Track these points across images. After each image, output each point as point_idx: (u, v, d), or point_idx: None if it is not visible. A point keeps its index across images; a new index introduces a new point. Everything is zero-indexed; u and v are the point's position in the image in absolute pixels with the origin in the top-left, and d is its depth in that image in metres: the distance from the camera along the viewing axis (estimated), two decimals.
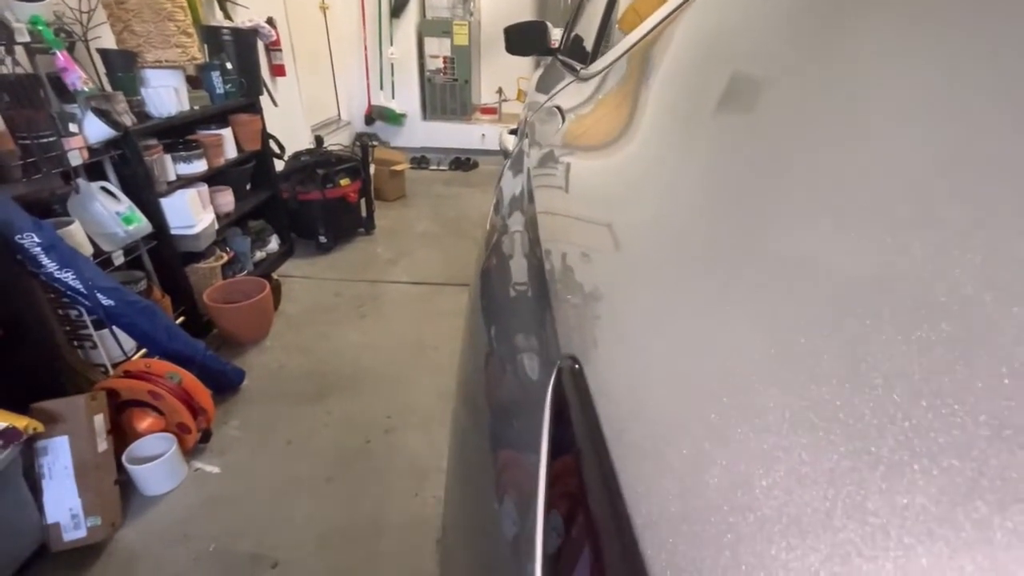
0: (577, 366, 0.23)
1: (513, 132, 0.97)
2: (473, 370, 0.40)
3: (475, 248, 3.03)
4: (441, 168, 4.54)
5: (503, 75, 4.70)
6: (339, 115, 4.33)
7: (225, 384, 1.65)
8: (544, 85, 1.65)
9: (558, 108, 0.60)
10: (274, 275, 2.30)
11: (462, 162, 4.54)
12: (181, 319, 1.80)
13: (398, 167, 3.57)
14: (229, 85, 2.08)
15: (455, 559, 0.37)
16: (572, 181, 0.38)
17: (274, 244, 2.55)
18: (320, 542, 1.22)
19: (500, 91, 4.65)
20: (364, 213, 2.97)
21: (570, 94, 0.63)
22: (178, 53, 1.68)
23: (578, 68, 0.82)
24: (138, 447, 1.31)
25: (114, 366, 1.47)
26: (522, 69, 4.73)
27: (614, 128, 0.36)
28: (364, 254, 2.78)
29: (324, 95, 4.08)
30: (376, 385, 1.75)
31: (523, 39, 2.21)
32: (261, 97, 2.37)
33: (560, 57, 1.85)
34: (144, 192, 1.64)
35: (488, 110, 4.83)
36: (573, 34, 1.91)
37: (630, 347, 0.22)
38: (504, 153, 0.94)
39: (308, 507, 1.30)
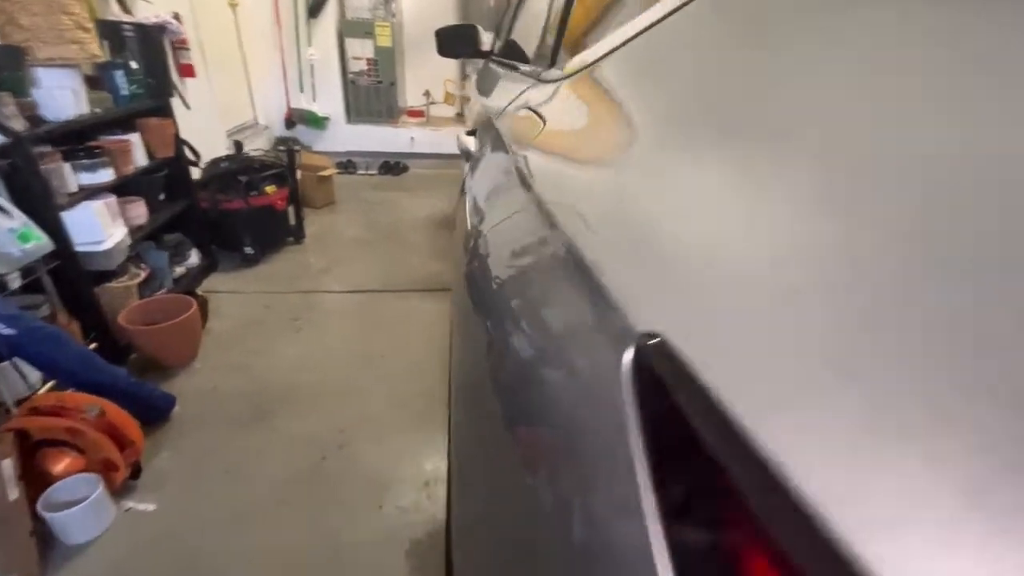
0: (665, 343, 0.21)
1: (471, 134, 0.98)
2: (488, 373, 0.40)
3: (412, 254, 3.00)
4: (370, 172, 4.41)
5: (429, 77, 4.66)
6: (256, 119, 4.08)
7: (153, 413, 1.51)
8: (486, 87, 1.67)
9: (532, 110, 0.62)
10: (198, 291, 2.12)
11: (391, 166, 4.45)
12: (93, 345, 1.62)
13: (325, 172, 3.43)
14: (135, 86, 1.90)
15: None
16: (586, 173, 0.39)
17: (194, 258, 2.36)
18: (282, 570, 1.16)
19: (427, 93, 4.61)
20: (293, 221, 2.83)
21: (539, 96, 0.66)
22: (75, 50, 1.51)
23: (534, 71, 0.85)
24: (56, 491, 1.17)
25: (18, 403, 1.30)
26: (448, 71, 4.72)
27: (620, 126, 0.38)
28: (294, 264, 2.65)
29: (238, 98, 3.83)
30: (322, 400, 1.67)
31: (454, 42, 2.22)
32: (172, 100, 2.18)
33: (497, 59, 1.88)
34: (42, 206, 1.46)
35: (415, 113, 4.77)
36: (510, 38, 1.94)
37: (734, 314, 0.20)
38: (465, 155, 0.95)
39: (262, 535, 1.23)
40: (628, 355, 0.23)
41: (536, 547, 0.28)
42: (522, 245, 0.40)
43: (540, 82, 0.76)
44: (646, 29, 0.42)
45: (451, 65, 4.75)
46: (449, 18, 4.61)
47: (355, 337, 2.03)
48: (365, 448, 1.49)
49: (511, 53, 1.83)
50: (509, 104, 0.78)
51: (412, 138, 4.51)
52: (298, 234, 2.86)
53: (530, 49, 1.40)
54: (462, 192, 2.96)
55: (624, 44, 0.46)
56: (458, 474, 0.50)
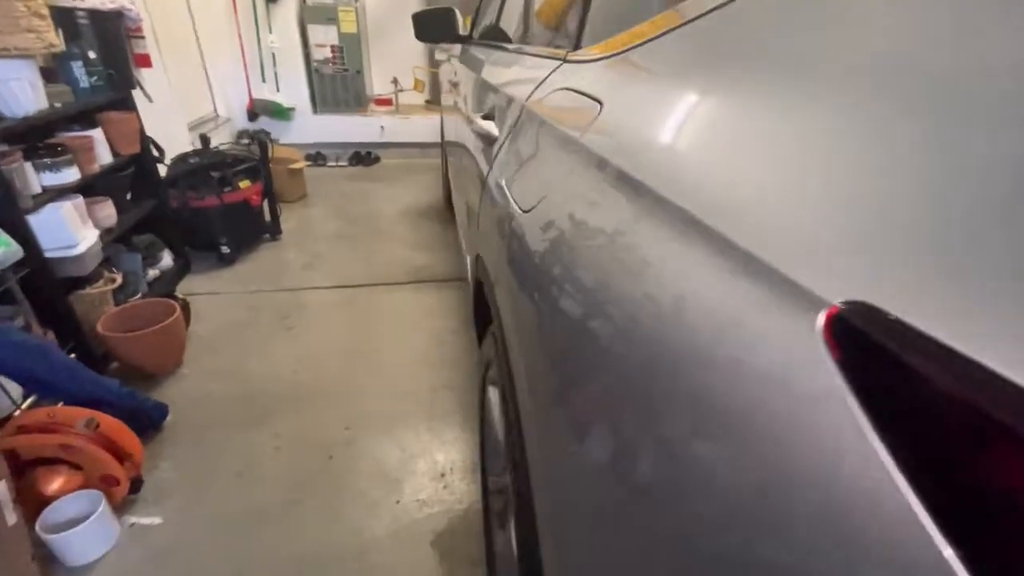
0: (867, 304, 0.21)
1: (488, 118, 0.96)
2: (632, 367, 0.36)
3: (396, 245, 2.96)
4: (340, 164, 4.28)
5: (396, 64, 4.54)
6: (216, 111, 3.89)
7: (146, 424, 1.44)
8: (475, 70, 1.63)
9: (580, 92, 0.60)
10: (177, 294, 2.02)
11: (362, 157, 4.33)
12: (71, 356, 1.52)
13: (296, 165, 3.31)
14: (95, 78, 1.77)
15: None
16: (698, 156, 0.37)
17: (167, 260, 2.24)
18: (300, 572, 1.13)
19: (395, 81, 4.49)
20: (268, 217, 2.72)
21: (580, 78, 0.64)
22: (31, 39, 1.40)
23: (554, 53, 0.83)
24: (54, 512, 1.10)
25: (1, 423, 1.21)
26: (415, 58, 4.61)
27: (715, 108, 0.38)
28: (275, 262, 2.56)
29: (196, 89, 3.63)
30: (323, 398, 1.63)
31: (433, 26, 2.17)
32: (133, 92, 2.05)
33: (486, 43, 1.84)
34: (6, 210, 1.36)
35: (383, 101, 4.64)
36: (494, 22, 1.90)
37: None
38: (486, 138, 0.92)
39: (279, 539, 1.19)
40: (820, 320, 0.23)
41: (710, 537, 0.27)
42: (624, 231, 0.39)
43: (569, 63, 0.74)
44: (716, 8, 0.41)
45: (418, 51, 4.64)
46: (415, 3, 4.49)
47: (349, 334, 1.98)
48: (373, 444, 1.46)
49: (497, 36, 1.80)
50: (536, 88, 0.76)
51: (382, 127, 4.40)
52: (275, 230, 2.76)
53: (521, 32, 1.38)
54: (446, 176, 2.87)
55: (685, 24, 0.45)
56: (544, 463, 0.49)
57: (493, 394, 1.05)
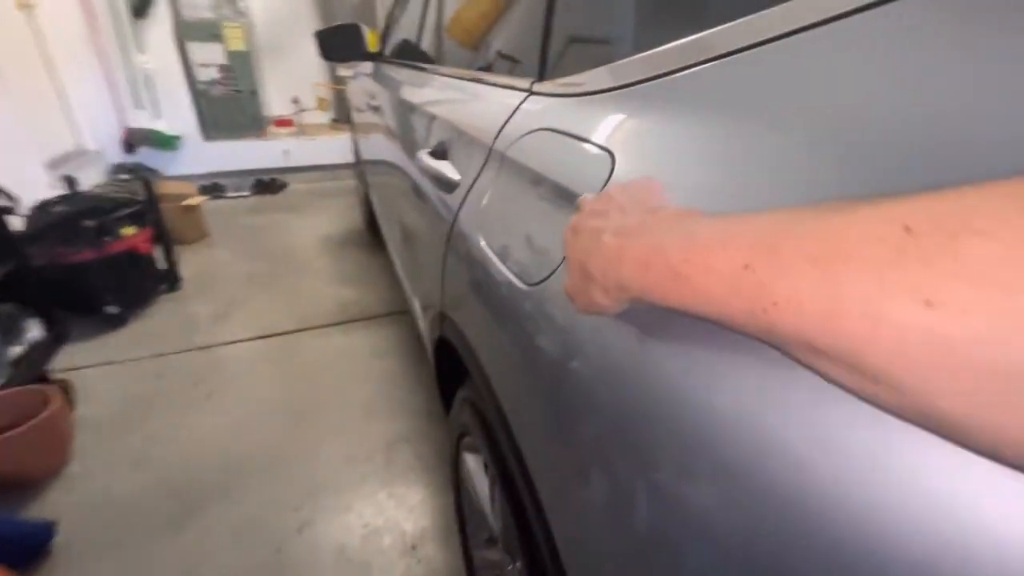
0: None
1: (438, 156, 0.84)
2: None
3: (320, 282, 2.75)
4: (242, 194, 3.89)
5: (295, 83, 4.23)
6: (81, 144, 3.36)
7: (28, 551, 1.15)
8: (393, 94, 1.50)
9: (575, 136, 0.51)
10: (52, 374, 1.67)
11: (267, 184, 3.97)
12: None
13: (192, 201, 2.93)
14: None
15: None
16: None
17: (36, 331, 1.86)
18: None
19: (296, 100, 4.17)
20: (164, 265, 2.37)
21: (565, 118, 0.55)
22: None
23: (511, 82, 0.74)
24: None
25: None
26: (317, 75, 4.33)
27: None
28: (178, 317, 2.22)
29: (51, 120, 3.11)
30: (263, 476, 1.41)
31: (339, 44, 2.01)
32: None
33: (401, 62, 1.71)
34: None
35: (284, 122, 4.32)
36: (414, 39, 1.78)
37: None
38: (442, 183, 0.81)
39: None
40: None
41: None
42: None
43: (538, 95, 0.66)
44: (770, 41, 0.34)
45: (319, 68, 4.37)
46: (307, 16, 4.22)
47: (281, 391, 1.75)
48: (329, 524, 1.28)
49: (414, 55, 1.68)
50: (503, 126, 0.66)
51: (286, 151, 4.07)
52: (173, 279, 2.40)
53: (448, 51, 1.27)
54: (366, 200, 2.70)
55: (722, 58, 0.38)
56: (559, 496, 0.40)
57: (472, 461, 0.94)
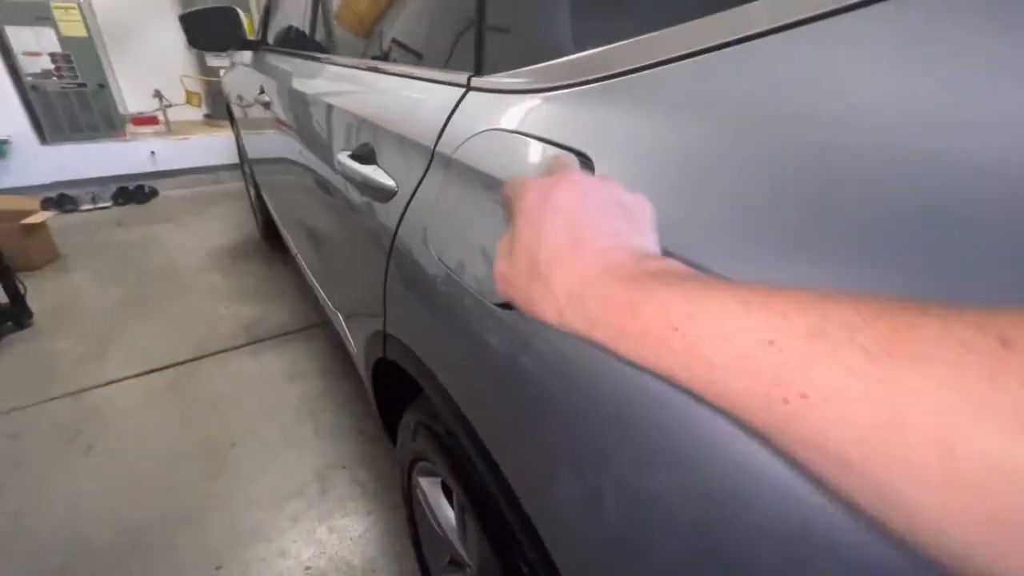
0: None
1: (360, 159, 0.75)
2: None
3: (214, 301, 2.50)
4: (101, 206, 3.34)
5: (156, 74, 3.71)
6: None
7: None
8: (283, 88, 1.34)
9: (535, 137, 0.47)
10: None
11: (132, 193, 3.45)
12: None
13: (34, 218, 2.45)
14: None
15: None
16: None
17: None
18: None
19: (159, 95, 3.64)
20: (7, 297, 1.96)
21: (522, 118, 0.50)
22: None
23: (443, 75, 0.67)
24: None
25: None
26: (182, 65, 3.83)
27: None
28: (34, 359, 1.85)
29: None
30: (172, 536, 1.22)
31: (210, 31, 1.77)
32: None
33: (289, 51, 1.54)
34: None
35: (145, 120, 3.78)
36: (289, 24, 1.61)
37: None
38: (369, 187, 0.72)
39: None
40: None
41: None
42: None
43: (478, 91, 0.60)
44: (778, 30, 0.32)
45: (183, 57, 3.87)
46: None
47: (181, 434, 1.52)
48: (260, 575, 1.14)
49: (304, 43, 1.52)
50: (444, 127, 0.60)
51: (153, 152, 3.56)
52: (19, 315, 1.99)
53: (348, 39, 1.16)
54: (260, 203, 2.45)
55: (725, 47, 0.35)
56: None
57: (428, 486, 0.88)
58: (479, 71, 0.61)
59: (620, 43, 0.42)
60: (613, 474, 0.35)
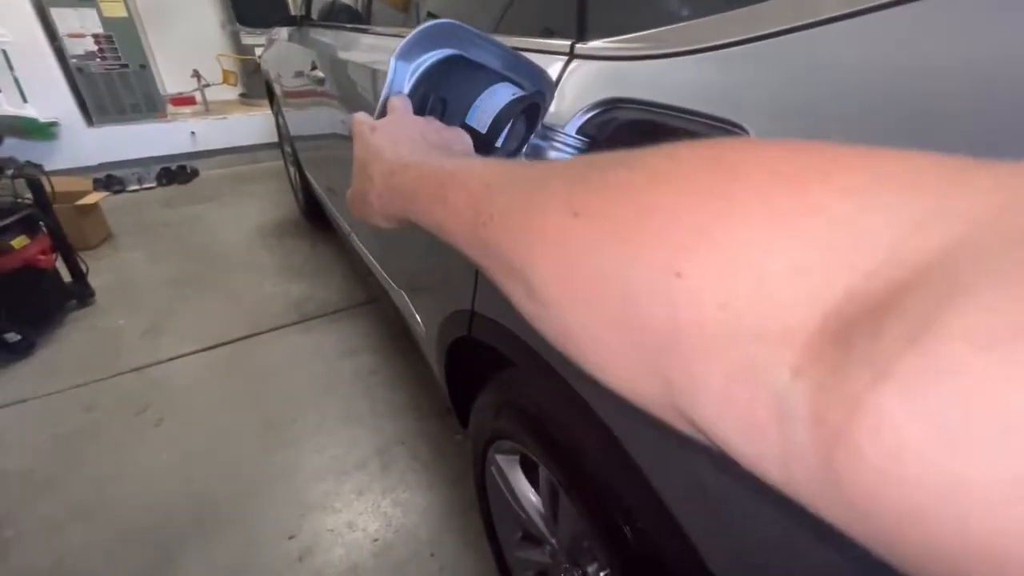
0: None
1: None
2: None
3: (262, 278, 2.54)
4: (147, 186, 3.42)
5: (192, 54, 3.72)
6: None
7: None
8: (340, 62, 1.32)
9: (681, 112, 0.44)
10: None
11: (174, 173, 3.52)
12: None
13: (89, 199, 2.52)
14: None
15: None
16: None
17: None
18: None
19: (197, 74, 3.67)
20: (69, 277, 2.03)
21: (637, 82, 0.47)
22: None
23: (561, 45, 0.64)
24: None
25: None
26: (217, 44, 3.85)
27: None
28: (100, 336, 1.92)
29: None
30: (243, 507, 1.26)
31: (259, 7, 1.76)
32: None
33: (337, 24, 1.52)
34: None
35: (184, 100, 3.82)
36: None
37: None
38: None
39: None
40: None
41: None
42: None
43: (585, 58, 0.57)
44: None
45: (218, 36, 3.88)
46: None
47: (243, 406, 1.57)
48: (333, 546, 1.18)
49: (353, 18, 1.49)
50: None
51: (193, 133, 3.61)
52: (83, 293, 2.07)
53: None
54: (303, 181, 2.47)
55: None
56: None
57: (506, 464, 0.88)
58: (582, 37, 0.58)
59: (744, 8, 0.39)
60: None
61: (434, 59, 0.39)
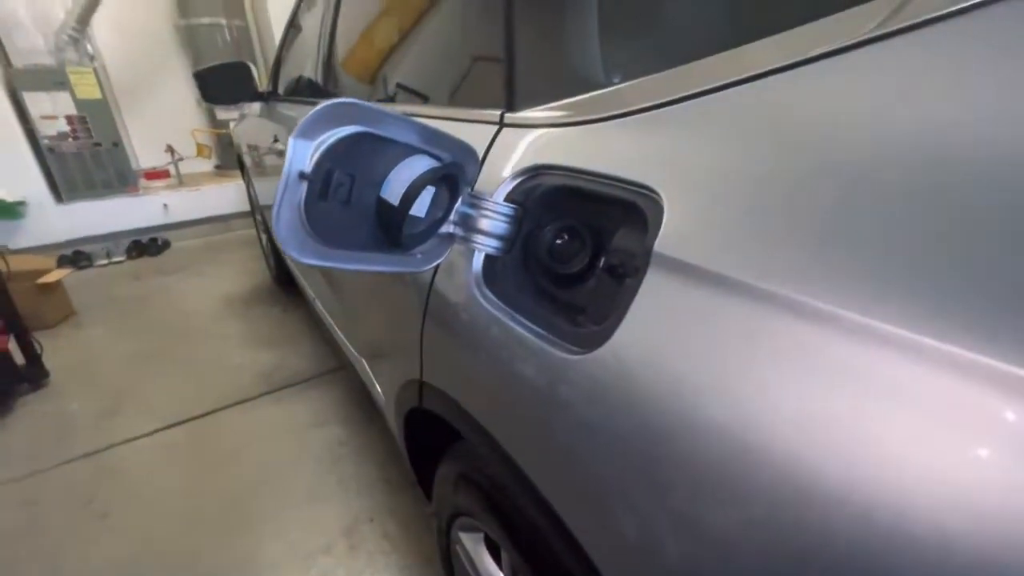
0: None
1: None
2: None
3: (231, 348, 2.48)
4: (116, 260, 3.37)
5: (167, 129, 3.80)
6: None
7: None
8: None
9: (595, 176, 0.44)
10: None
11: (146, 245, 3.48)
12: None
13: (49, 277, 2.46)
14: None
15: None
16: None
17: None
18: None
19: (171, 149, 3.73)
20: (24, 358, 1.94)
21: (557, 150, 0.48)
22: None
23: (474, 114, 0.66)
24: None
25: None
26: (192, 119, 3.94)
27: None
28: (47, 421, 1.81)
29: None
30: None
31: (224, 85, 1.81)
32: None
33: (300, 99, 1.57)
34: None
35: (157, 174, 3.86)
36: (301, 74, 1.64)
37: None
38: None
39: None
40: None
41: None
42: None
43: (513, 127, 0.58)
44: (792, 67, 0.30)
45: (193, 112, 3.98)
46: (170, 56, 3.85)
47: (203, 492, 1.47)
48: None
49: (315, 92, 1.54)
50: (481, 166, 0.58)
51: (165, 205, 3.61)
52: (35, 376, 1.97)
53: (366, 84, 1.17)
54: (274, 250, 2.45)
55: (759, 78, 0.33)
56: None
57: (470, 542, 0.82)
58: (511, 106, 0.60)
59: (661, 73, 0.40)
60: (707, 524, 0.31)
61: (339, 136, 0.39)
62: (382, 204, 0.43)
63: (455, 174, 0.46)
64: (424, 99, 0.83)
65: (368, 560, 1.24)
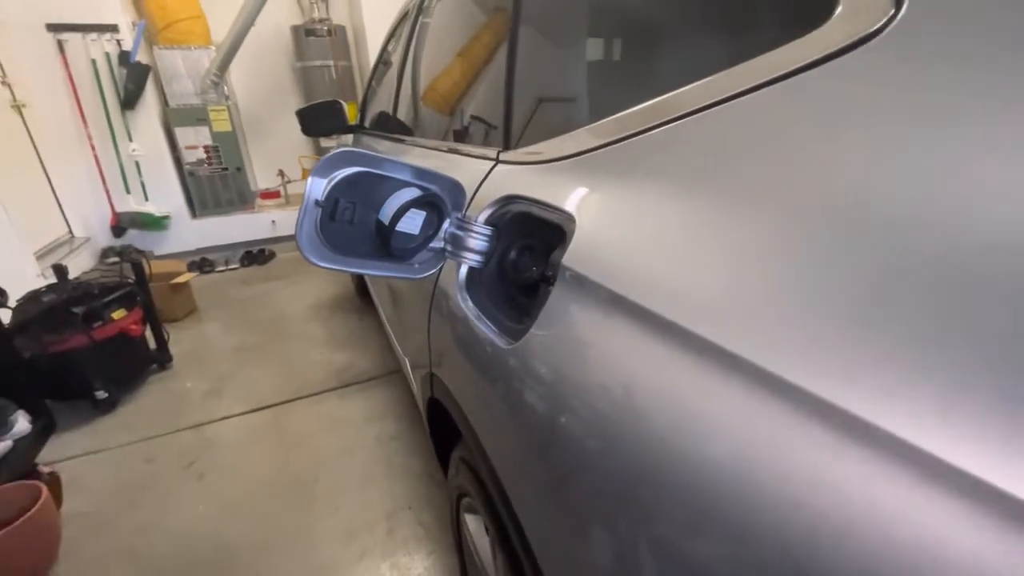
0: None
1: None
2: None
3: (311, 348, 2.72)
4: (232, 267, 3.93)
5: (280, 156, 4.38)
6: (70, 231, 3.42)
7: None
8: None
9: (535, 201, 0.55)
10: (41, 467, 1.63)
11: (255, 255, 4.02)
12: None
13: (181, 279, 2.96)
14: None
15: None
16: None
17: (22, 423, 1.82)
18: None
19: (281, 173, 4.29)
20: (153, 345, 2.36)
21: (531, 183, 0.59)
22: None
23: (476, 151, 0.79)
24: None
25: None
26: (300, 147, 4.49)
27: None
28: (168, 396, 2.19)
29: (41, 211, 3.19)
30: (257, 559, 1.36)
31: (319, 120, 2.11)
32: None
33: (378, 133, 1.80)
34: None
35: (270, 195, 4.42)
36: (389, 111, 1.88)
37: None
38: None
39: None
40: None
41: None
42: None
43: (504, 163, 0.70)
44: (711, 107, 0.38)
45: (301, 141, 4.54)
46: (289, 93, 4.43)
47: (276, 466, 1.71)
48: None
49: (391, 126, 1.77)
50: (475, 193, 0.71)
51: (273, 221, 4.15)
52: (163, 359, 2.39)
53: (422, 122, 1.35)
54: None
55: (669, 123, 0.42)
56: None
57: (473, 522, 0.93)
58: (506, 147, 0.72)
59: (594, 124, 0.50)
60: (616, 529, 0.37)
61: (345, 174, 0.54)
62: (379, 223, 0.57)
63: (437, 202, 0.59)
64: (454, 137, 0.99)
65: (402, 543, 1.38)
